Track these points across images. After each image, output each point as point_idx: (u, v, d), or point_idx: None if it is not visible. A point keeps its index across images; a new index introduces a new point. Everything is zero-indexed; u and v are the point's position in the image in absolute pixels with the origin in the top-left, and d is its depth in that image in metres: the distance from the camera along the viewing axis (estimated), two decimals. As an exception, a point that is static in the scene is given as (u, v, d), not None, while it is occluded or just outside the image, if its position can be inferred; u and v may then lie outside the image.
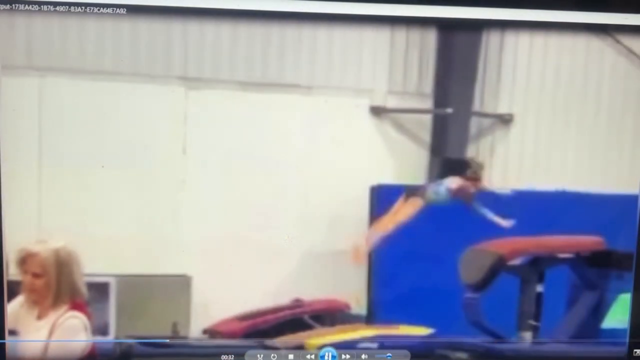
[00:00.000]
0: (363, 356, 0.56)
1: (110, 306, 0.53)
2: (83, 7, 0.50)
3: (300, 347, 0.55)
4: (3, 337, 0.53)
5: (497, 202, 0.54)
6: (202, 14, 0.51)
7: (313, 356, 0.56)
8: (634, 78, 0.54)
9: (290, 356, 0.56)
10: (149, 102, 0.51)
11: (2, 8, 0.49)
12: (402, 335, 0.56)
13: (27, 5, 0.49)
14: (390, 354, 0.56)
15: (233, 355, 0.55)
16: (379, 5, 0.51)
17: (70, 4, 0.50)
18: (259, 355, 0.55)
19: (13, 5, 0.49)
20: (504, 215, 0.55)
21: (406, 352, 0.56)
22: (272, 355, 0.55)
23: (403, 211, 0.54)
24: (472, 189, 0.54)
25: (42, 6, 0.49)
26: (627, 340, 0.57)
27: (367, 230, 0.54)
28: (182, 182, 0.53)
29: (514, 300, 0.56)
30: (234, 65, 0.52)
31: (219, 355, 0.55)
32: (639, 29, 0.53)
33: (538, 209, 0.55)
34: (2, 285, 0.52)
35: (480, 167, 0.54)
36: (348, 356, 0.56)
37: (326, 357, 0.56)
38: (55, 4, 0.49)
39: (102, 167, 0.52)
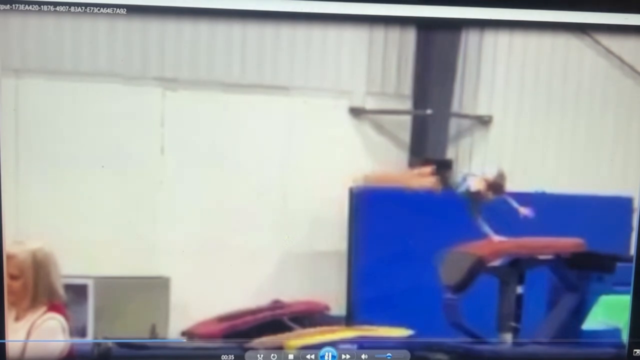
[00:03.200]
0: (363, 356, 0.56)
1: (89, 308, 0.53)
2: (83, 7, 0.49)
3: (279, 349, 0.55)
4: (3, 337, 0.53)
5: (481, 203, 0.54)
6: (179, 13, 0.50)
7: (313, 356, 0.56)
8: (613, 79, 0.54)
9: (290, 356, 0.56)
10: (126, 103, 0.51)
11: (2, 8, 0.49)
12: (382, 336, 0.56)
13: (27, 6, 0.49)
14: (390, 354, 0.56)
15: (233, 356, 0.55)
16: (358, 5, 0.51)
17: (70, 4, 0.49)
18: (259, 355, 0.55)
19: (13, 5, 0.49)
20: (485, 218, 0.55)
21: (406, 352, 0.56)
22: (272, 355, 0.55)
23: (414, 180, 0.52)
24: (489, 196, 0.54)
25: (42, 6, 0.49)
26: (627, 340, 0.57)
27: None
28: (160, 183, 0.52)
29: (494, 301, 0.56)
30: (211, 66, 0.51)
31: (196, 357, 0.54)
32: (617, 28, 0.52)
33: (517, 211, 0.55)
34: (1, 285, 0.52)
35: (504, 178, 0.54)
36: (348, 356, 0.56)
37: (326, 357, 0.56)
38: (56, 4, 0.49)
39: (80, 168, 0.51)
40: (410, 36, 0.52)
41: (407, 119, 0.54)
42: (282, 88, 0.52)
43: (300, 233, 0.54)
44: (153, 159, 0.52)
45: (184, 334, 0.54)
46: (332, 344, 0.56)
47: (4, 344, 0.53)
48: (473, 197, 0.54)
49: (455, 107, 0.53)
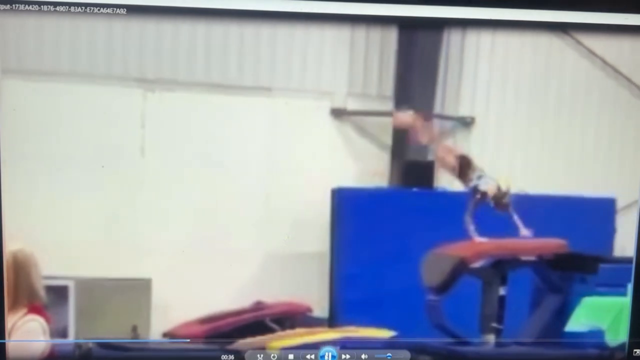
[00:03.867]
0: (363, 356, 0.56)
1: (70, 309, 0.53)
2: (82, 7, 0.49)
3: (261, 349, 0.55)
4: (3, 337, 0.53)
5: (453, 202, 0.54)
6: (159, 12, 0.50)
7: (313, 356, 0.56)
8: (596, 80, 0.54)
9: (290, 356, 0.56)
10: (106, 104, 0.51)
11: (2, 8, 0.49)
12: (365, 338, 0.56)
13: (27, 5, 0.49)
14: (390, 354, 0.56)
15: (233, 356, 0.55)
16: (339, 4, 0.51)
17: (70, 4, 0.49)
18: (259, 356, 0.55)
19: (13, 5, 0.49)
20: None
21: (406, 352, 0.56)
22: (272, 355, 0.55)
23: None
24: (491, 202, 0.54)
25: (42, 6, 0.49)
26: (627, 340, 0.57)
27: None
28: (141, 185, 0.52)
29: (476, 302, 0.56)
30: (192, 67, 0.51)
31: (178, 358, 0.54)
32: (600, 27, 0.52)
33: (500, 212, 0.55)
34: (2, 285, 0.52)
35: (506, 195, 0.54)
36: (348, 356, 0.56)
37: (326, 357, 0.56)
38: (56, 4, 0.49)
39: (61, 169, 0.51)
40: (392, 36, 0.52)
41: (389, 121, 0.53)
42: (264, 89, 0.52)
43: (283, 234, 0.54)
44: (134, 160, 0.52)
45: (165, 335, 0.54)
46: (315, 345, 0.56)
47: (4, 344, 0.53)
48: (476, 195, 0.54)
49: (437, 108, 0.53)
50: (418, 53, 0.52)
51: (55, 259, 0.52)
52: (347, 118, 0.53)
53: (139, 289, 0.53)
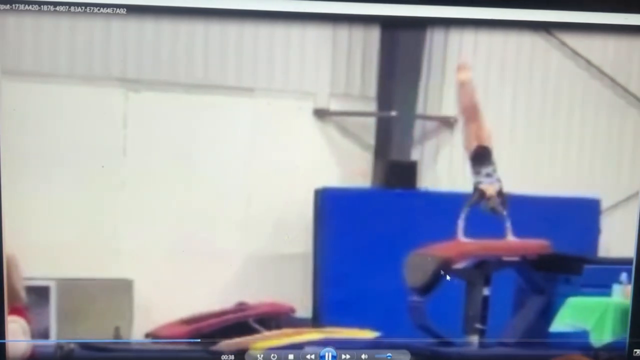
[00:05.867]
0: (363, 356, 0.56)
1: (51, 311, 0.53)
2: (82, 7, 0.49)
3: (244, 351, 0.55)
4: (3, 337, 0.53)
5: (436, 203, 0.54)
6: (140, 12, 0.50)
7: (313, 356, 0.55)
8: (579, 80, 0.54)
9: (290, 356, 0.55)
10: (88, 104, 0.51)
11: (1, 8, 0.49)
12: (348, 338, 0.56)
13: (27, 5, 0.49)
14: (390, 354, 0.56)
15: (233, 356, 0.55)
16: (322, 3, 0.51)
17: (70, 4, 0.49)
18: (259, 356, 0.55)
19: (13, 5, 0.49)
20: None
21: (406, 352, 0.56)
22: (272, 355, 0.55)
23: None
24: (488, 203, 0.54)
25: (41, 6, 0.49)
26: (627, 340, 0.57)
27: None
28: (123, 185, 0.52)
29: (460, 303, 0.56)
30: (174, 67, 0.51)
31: (160, 358, 0.54)
32: (582, 26, 0.52)
33: (483, 213, 0.55)
34: (1, 285, 0.52)
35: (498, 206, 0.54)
36: (348, 356, 0.56)
37: (326, 357, 0.56)
38: (56, 4, 0.49)
39: (41, 169, 0.51)
40: (374, 36, 0.52)
41: (372, 121, 0.53)
42: (246, 89, 0.52)
43: (265, 235, 0.54)
44: (115, 160, 0.52)
45: (148, 335, 0.54)
46: (298, 346, 0.55)
47: (4, 344, 0.53)
48: (474, 193, 0.54)
49: (420, 108, 0.53)
50: (401, 53, 0.52)
51: (36, 260, 0.52)
52: (330, 118, 0.53)
53: (121, 289, 0.53)
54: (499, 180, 0.54)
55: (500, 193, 0.54)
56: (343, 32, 0.52)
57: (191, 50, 0.51)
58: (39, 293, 0.52)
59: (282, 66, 0.52)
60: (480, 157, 0.54)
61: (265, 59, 0.52)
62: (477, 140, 0.53)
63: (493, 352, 0.57)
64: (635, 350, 0.57)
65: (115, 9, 0.49)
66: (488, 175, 0.54)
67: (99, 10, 0.49)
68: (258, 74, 0.52)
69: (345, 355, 0.56)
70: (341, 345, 0.56)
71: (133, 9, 0.50)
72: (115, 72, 0.51)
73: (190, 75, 0.51)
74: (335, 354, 0.56)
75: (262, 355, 0.55)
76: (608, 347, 0.57)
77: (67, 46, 0.50)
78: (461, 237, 0.55)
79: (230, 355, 0.55)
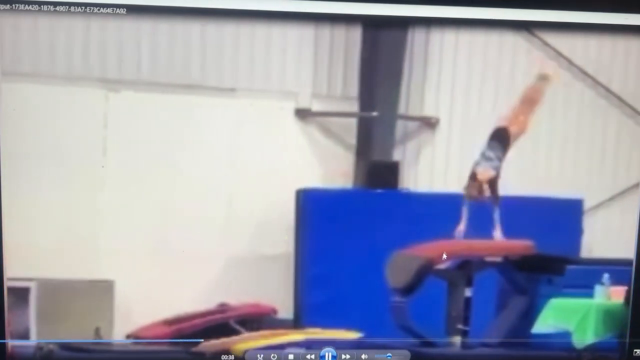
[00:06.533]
0: (363, 356, 0.56)
1: (31, 311, 0.53)
2: (83, 7, 0.49)
3: (226, 352, 0.55)
4: (3, 337, 0.52)
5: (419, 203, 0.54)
6: (139, 12, 0.50)
7: (313, 356, 0.55)
8: (562, 80, 0.53)
9: (291, 356, 0.55)
10: (68, 104, 0.51)
11: (2, 8, 0.48)
12: (330, 339, 0.56)
13: (27, 5, 0.48)
14: (390, 354, 0.56)
15: (233, 356, 0.55)
16: (303, 2, 0.51)
17: (70, 4, 0.49)
18: (259, 356, 0.55)
19: (13, 5, 0.48)
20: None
21: (406, 352, 0.56)
22: (272, 355, 0.55)
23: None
24: (485, 188, 0.54)
25: (41, 6, 0.49)
26: (627, 340, 0.57)
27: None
28: (103, 185, 0.52)
29: (442, 304, 0.56)
30: (155, 66, 0.51)
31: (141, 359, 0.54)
32: (563, 25, 0.52)
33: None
34: (2, 285, 0.51)
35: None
36: (348, 356, 0.56)
37: (326, 357, 0.56)
38: (56, 4, 0.49)
39: (22, 169, 0.51)
40: (356, 35, 0.51)
41: (354, 122, 0.53)
42: (228, 90, 0.52)
43: (247, 235, 0.54)
44: (96, 161, 0.51)
45: (129, 336, 0.54)
46: (280, 347, 0.55)
47: (4, 344, 0.53)
48: (471, 182, 0.54)
49: (401, 109, 0.53)
50: (382, 53, 0.52)
51: (17, 261, 0.52)
52: (311, 119, 0.53)
53: (102, 290, 0.53)
54: (496, 169, 0.54)
55: (492, 182, 0.54)
56: (325, 31, 0.51)
57: (172, 50, 0.51)
58: (19, 294, 0.52)
59: (264, 66, 0.52)
60: (496, 137, 0.53)
61: (246, 59, 0.51)
62: (514, 123, 0.53)
63: (475, 353, 0.57)
64: (635, 350, 0.57)
65: (115, 9, 0.49)
66: (489, 159, 0.53)
67: (98, 10, 0.49)
68: (239, 74, 0.52)
69: (345, 355, 0.56)
70: (322, 346, 0.56)
71: (133, 9, 0.50)
72: (96, 72, 0.50)
73: (172, 75, 0.51)
74: (335, 354, 0.55)
75: (261, 356, 0.55)
76: (596, 347, 0.57)
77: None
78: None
79: (230, 356, 0.55)
